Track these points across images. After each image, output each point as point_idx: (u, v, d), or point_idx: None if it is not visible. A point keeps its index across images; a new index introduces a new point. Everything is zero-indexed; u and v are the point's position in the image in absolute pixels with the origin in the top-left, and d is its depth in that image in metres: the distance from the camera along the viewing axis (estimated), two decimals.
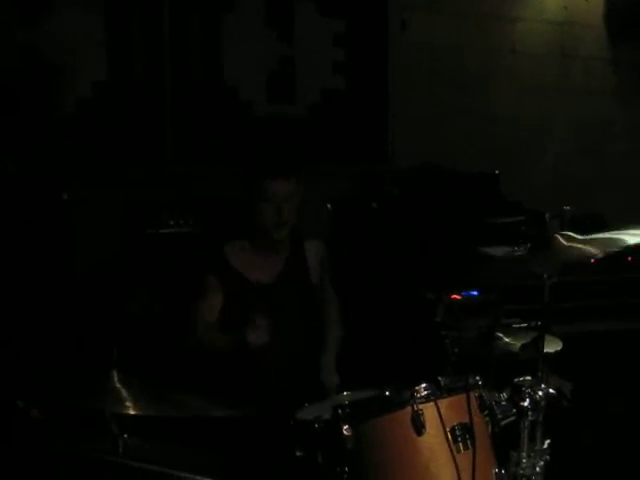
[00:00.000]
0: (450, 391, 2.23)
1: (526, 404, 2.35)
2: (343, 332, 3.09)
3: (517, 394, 2.37)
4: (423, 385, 2.21)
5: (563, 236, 2.38)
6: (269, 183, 2.84)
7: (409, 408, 2.16)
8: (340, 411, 2.21)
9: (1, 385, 1.65)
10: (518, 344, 2.58)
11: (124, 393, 1.96)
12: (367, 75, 4.68)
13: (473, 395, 2.25)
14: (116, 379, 1.99)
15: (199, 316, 2.89)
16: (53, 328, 3.50)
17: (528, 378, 2.40)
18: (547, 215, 2.37)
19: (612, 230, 2.43)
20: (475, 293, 3.03)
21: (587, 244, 2.37)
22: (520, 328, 2.79)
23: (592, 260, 3.36)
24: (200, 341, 2.86)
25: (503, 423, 2.34)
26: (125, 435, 1.96)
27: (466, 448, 2.18)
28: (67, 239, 3.88)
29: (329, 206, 4.08)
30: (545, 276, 2.39)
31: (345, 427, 2.17)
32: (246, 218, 2.92)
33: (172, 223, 3.79)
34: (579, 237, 2.39)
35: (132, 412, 1.86)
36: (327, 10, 4.58)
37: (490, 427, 2.30)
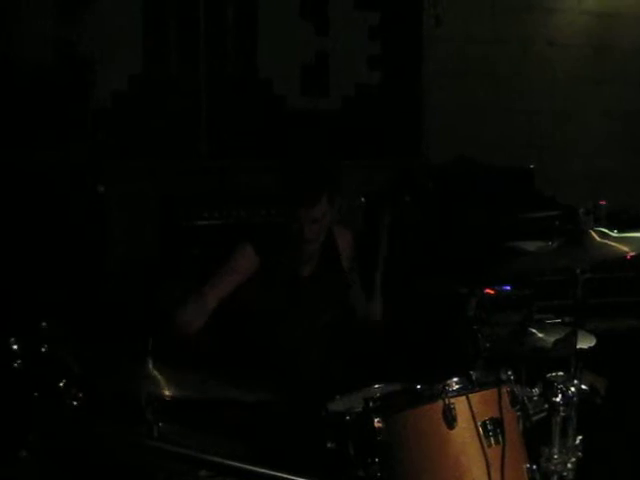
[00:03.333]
0: (482, 385, 2.23)
1: (558, 400, 2.34)
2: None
3: (549, 389, 2.36)
4: (455, 379, 2.21)
5: (597, 232, 2.36)
6: (295, 209, 2.79)
7: (440, 401, 2.17)
8: (371, 403, 2.22)
9: (41, 371, 1.70)
10: (551, 340, 2.57)
11: (159, 377, 1.99)
12: (401, 69, 4.67)
13: (505, 390, 2.25)
14: (151, 366, 2.02)
15: (216, 284, 2.81)
16: (89, 317, 3.56)
17: (560, 374, 2.39)
18: (581, 210, 2.35)
19: None
20: (508, 288, 3.01)
21: (620, 242, 2.35)
22: (553, 324, 2.77)
23: (628, 257, 3.34)
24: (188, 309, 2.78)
25: (535, 418, 2.34)
26: (160, 423, 2.00)
27: (497, 443, 2.18)
28: (103, 231, 3.94)
29: (363, 200, 4.09)
30: (578, 271, 2.38)
31: (376, 419, 2.19)
32: (286, 228, 2.87)
33: (207, 215, 3.83)
34: (613, 234, 2.37)
35: (167, 393, 1.89)
36: (362, 3, 4.58)
37: (522, 422, 2.30)
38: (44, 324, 1.86)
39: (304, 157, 3.21)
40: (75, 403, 1.63)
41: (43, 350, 1.79)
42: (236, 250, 2.87)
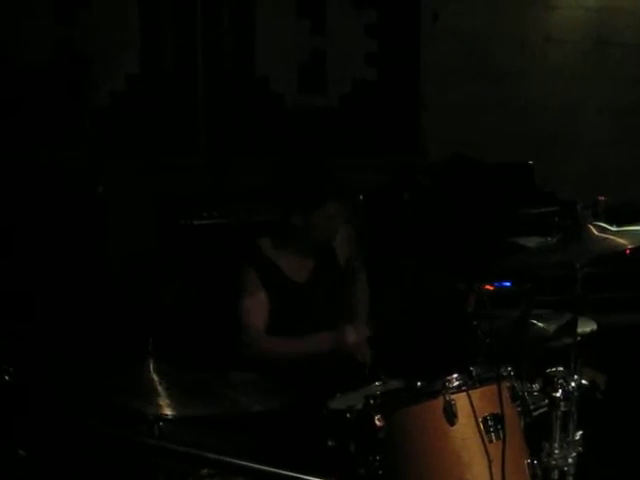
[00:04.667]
0: (482, 381, 2.23)
1: (558, 395, 2.35)
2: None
3: (549, 385, 2.36)
4: (455, 375, 2.21)
5: (595, 226, 2.36)
6: (329, 205, 2.84)
7: (441, 398, 2.17)
8: (372, 401, 2.22)
9: (38, 373, 1.70)
10: (552, 328, 2.57)
11: (159, 389, 1.96)
12: (399, 66, 4.66)
13: (505, 385, 2.25)
14: (152, 369, 2.00)
15: (250, 318, 2.84)
16: (89, 318, 3.56)
17: (560, 369, 2.39)
18: (579, 205, 2.36)
19: None
20: (507, 284, 3.02)
21: (619, 236, 2.35)
22: (553, 314, 2.77)
23: (627, 251, 3.34)
24: (252, 346, 2.83)
25: (535, 414, 2.34)
26: (160, 422, 2.00)
27: (498, 438, 2.18)
28: (102, 231, 3.93)
29: (361, 197, 4.08)
30: (577, 266, 2.38)
31: (377, 417, 2.19)
32: (296, 228, 2.89)
33: (205, 214, 3.82)
34: (612, 228, 2.37)
35: (167, 412, 1.85)
36: (359, 1, 4.57)
37: (522, 418, 2.30)
38: None
39: (314, 158, 3.23)
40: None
41: None
42: (242, 275, 2.89)
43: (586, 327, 2.53)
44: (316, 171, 2.97)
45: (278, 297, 2.89)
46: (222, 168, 4.18)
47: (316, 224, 2.86)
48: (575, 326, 2.38)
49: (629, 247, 2.33)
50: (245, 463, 1.58)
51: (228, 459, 1.53)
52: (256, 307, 2.86)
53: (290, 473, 1.57)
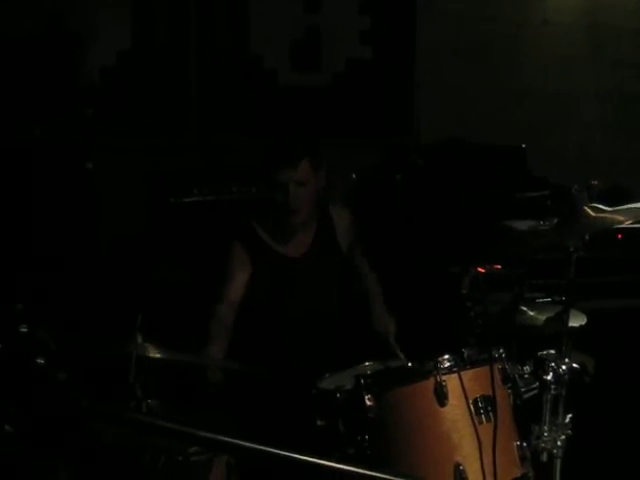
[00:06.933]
0: (473, 363, 2.23)
1: (549, 378, 2.35)
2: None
3: (540, 367, 2.36)
4: (447, 356, 2.21)
5: (591, 208, 2.35)
6: (275, 173, 2.79)
7: (432, 379, 2.16)
8: (363, 381, 2.22)
9: (28, 349, 1.68)
10: (542, 318, 2.56)
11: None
12: (394, 45, 4.62)
13: (496, 367, 2.24)
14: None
15: (225, 295, 2.84)
16: (79, 295, 3.53)
17: (552, 352, 2.39)
18: (574, 187, 2.34)
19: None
20: (500, 267, 3.00)
21: (615, 213, 2.33)
22: (545, 302, 2.77)
23: (619, 236, 3.33)
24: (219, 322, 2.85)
25: (526, 396, 2.34)
26: (148, 400, 1.99)
27: (488, 420, 2.18)
28: (92, 208, 3.90)
29: (354, 176, 4.06)
30: (571, 250, 2.37)
31: (367, 397, 2.18)
32: (279, 204, 2.86)
33: (196, 191, 3.79)
34: (607, 208, 2.36)
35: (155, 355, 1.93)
36: None
37: (512, 400, 2.30)
38: (20, 305, 1.83)
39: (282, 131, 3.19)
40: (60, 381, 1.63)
41: (23, 331, 1.76)
42: (228, 253, 2.87)
43: (576, 321, 2.53)
44: (276, 140, 2.91)
45: (268, 273, 2.86)
46: (214, 145, 4.14)
47: (269, 196, 2.79)
48: (567, 314, 2.37)
49: (627, 224, 2.31)
50: (234, 441, 1.56)
51: (218, 437, 1.51)
52: (234, 284, 2.84)
53: (279, 451, 1.55)
